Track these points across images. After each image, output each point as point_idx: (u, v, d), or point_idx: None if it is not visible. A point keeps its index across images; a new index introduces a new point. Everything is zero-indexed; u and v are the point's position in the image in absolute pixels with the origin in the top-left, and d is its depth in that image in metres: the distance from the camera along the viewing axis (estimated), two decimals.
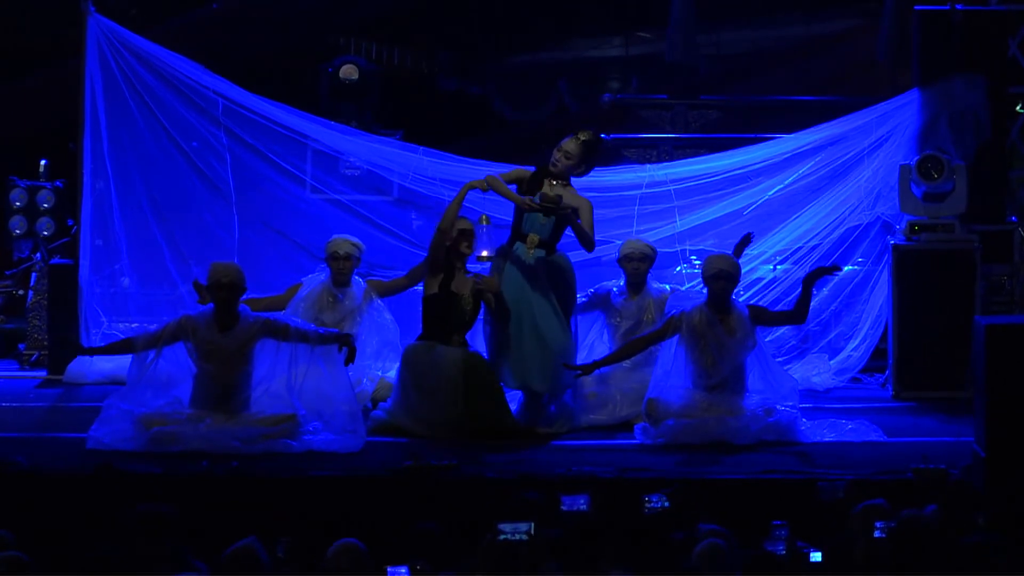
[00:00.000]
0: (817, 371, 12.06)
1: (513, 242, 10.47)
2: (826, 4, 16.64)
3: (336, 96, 13.85)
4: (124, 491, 8.71)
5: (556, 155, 10.40)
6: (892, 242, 11.99)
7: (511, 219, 10.66)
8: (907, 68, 12.82)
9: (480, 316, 10.46)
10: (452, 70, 16.49)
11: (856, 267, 12.42)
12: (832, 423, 10.49)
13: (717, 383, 10.23)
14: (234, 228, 12.44)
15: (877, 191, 12.31)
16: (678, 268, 12.28)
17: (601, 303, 11.13)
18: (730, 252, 10.70)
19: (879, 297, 12.22)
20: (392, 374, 10.76)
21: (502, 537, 6.72)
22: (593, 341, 11.10)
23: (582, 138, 10.42)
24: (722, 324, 10.23)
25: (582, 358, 10.58)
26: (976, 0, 12.53)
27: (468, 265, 10.48)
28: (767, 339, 10.72)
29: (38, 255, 13.29)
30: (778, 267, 12.32)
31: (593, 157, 10.48)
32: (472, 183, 10.41)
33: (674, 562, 6.99)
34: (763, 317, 10.41)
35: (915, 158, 12.00)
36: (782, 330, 12.02)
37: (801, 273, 12.06)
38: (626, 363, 10.94)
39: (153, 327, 10.11)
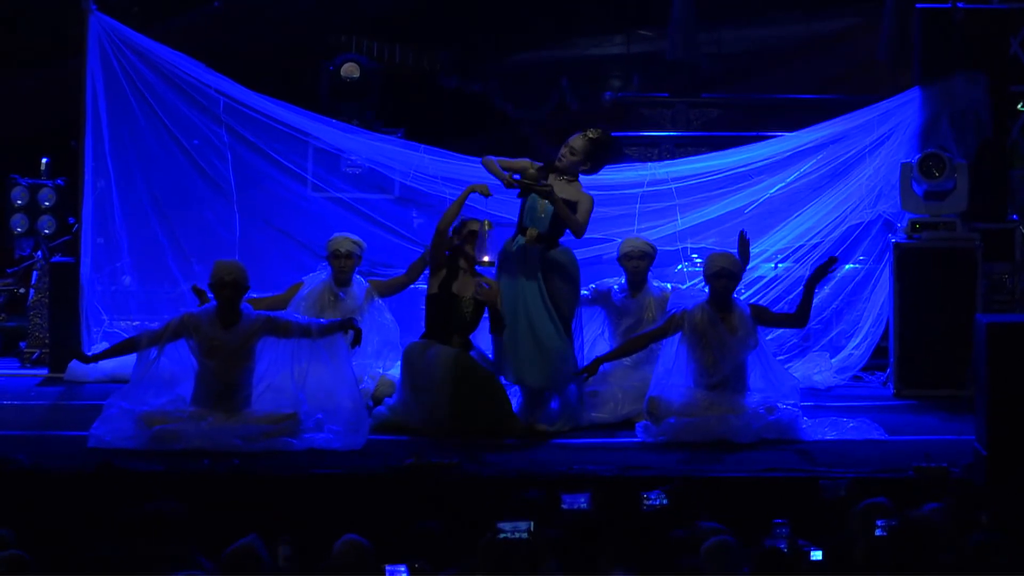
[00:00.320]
0: (818, 369, 12.05)
1: (515, 237, 10.48)
2: (827, 2, 16.61)
3: (337, 94, 13.85)
4: (125, 490, 8.71)
5: (563, 150, 10.42)
6: (893, 240, 11.99)
7: (511, 219, 10.69)
8: (908, 66, 12.81)
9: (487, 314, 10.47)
10: (453, 68, 16.47)
11: (857, 265, 12.42)
12: (833, 421, 10.49)
13: (718, 381, 10.23)
14: (235, 226, 12.45)
15: (878, 189, 12.31)
16: (679, 266, 12.28)
17: (602, 300, 11.13)
18: (731, 250, 10.70)
19: (880, 295, 12.22)
20: (394, 372, 10.78)
21: (502, 536, 6.72)
22: (595, 338, 11.11)
23: (590, 135, 10.42)
24: (724, 323, 10.23)
25: (583, 356, 10.57)
26: None
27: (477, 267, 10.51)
28: (768, 338, 10.72)
29: (39, 253, 13.30)
30: (779, 265, 12.32)
31: (601, 155, 10.46)
32: (474, 187, 10.45)
33: (675, 560, 6.99)
34: (764, 317, 10.41)
35: (916, 156, 11.99)
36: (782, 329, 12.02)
37: (802, 271, 12.09)
38: (627, 361, 10.95)
39: (156, 324, 10.12)
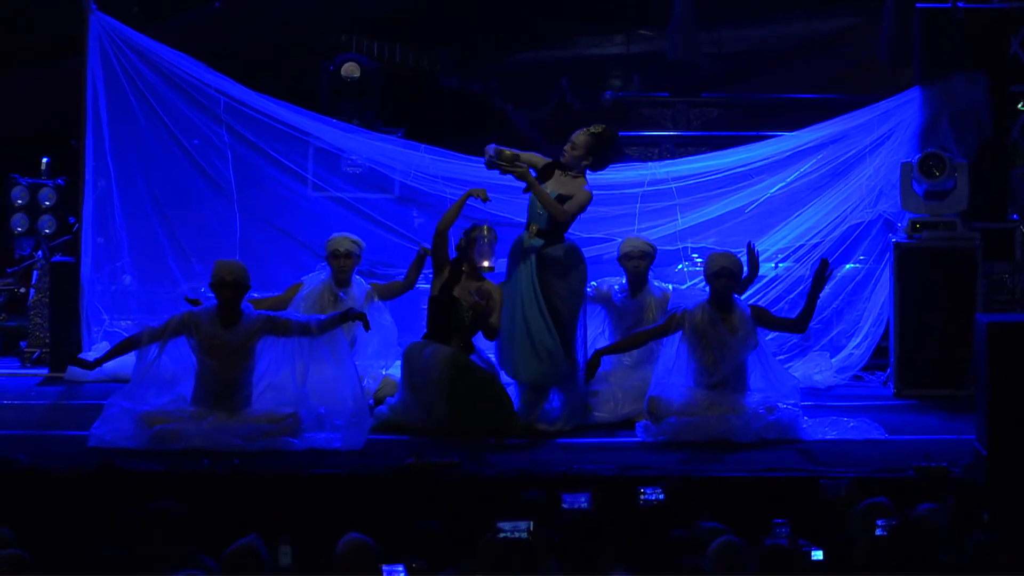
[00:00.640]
0: (819, 369, 12.05)
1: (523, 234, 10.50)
2: (827, 2, 16.62)
3: (338, 94, 13.85)
4: (126, 489, 8.71)
5: (566, 146, 10.42)
6: (894, 240, 11.99)
7: (512, 219, 10.71)
8: (908, 66, 12.81)
9: None
10: (453, 68, 16.48)
11: (858, 265, 12.42)
12: (834, 421, 10.49)
13: (718, 381, 10.23)
14: (236, 226, 12.45)
15: (879, 189, 12.31)
16: (680, 266, 12.28)
17: (602, 299, 11.12)
18: (732, 250, 10.71)
19: (880, 295, 12.21)
20: (395, 372, 10.79)
21: (502, 536, 6.72)
22: (595, 337, 11.10)
23: (592, 130, 10.42)
24: (724, 322, 10.23)
25: (587, 355, 10.56)
26: None
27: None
28: (768, 338, 10.72)
29: (40, 253, 13.30)
30: (780, 265, 12.32)
31: (603, 150, 10.41)
32: (473, 191, 10.48)
33: (676, 560, 6.99)
34: (764, 319, 10.41)
35: (917, 156, 11.99)
36: None
37: (803, 271, 12.09)
38: (627, 361, 10.96)
39: (157, 322, 10.12)
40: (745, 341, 10.23)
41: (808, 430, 10.22)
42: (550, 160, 10.46)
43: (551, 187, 10.34)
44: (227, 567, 6.78)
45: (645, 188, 12.21)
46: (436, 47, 16.48)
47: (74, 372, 12.03)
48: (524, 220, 10.90)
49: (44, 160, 13.47)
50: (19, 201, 13.26)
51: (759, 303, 11.16)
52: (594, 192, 10.47)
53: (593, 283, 11.08)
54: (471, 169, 11.57)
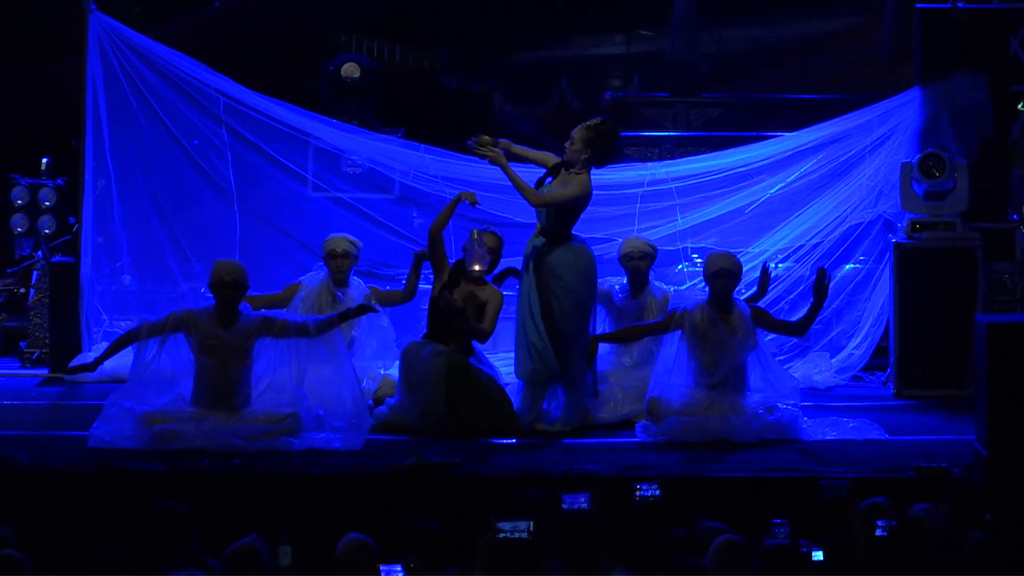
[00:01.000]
0: (818, 369, 12.05)
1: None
2: (828, 2, 16.63)
3: (338, 94, 13.85)
4: (126, 489, 8.71)
5: (566, 143, 10.42)
6: (893, 240, 11.98)
7: (513, 219, 10.74)
8: (908, 66, 12.80)
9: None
10: (453, 68, 16.48)
11: (858, 265, 12.42)
12: (833, 421, 10.49)
13: (718, 381, 10.23)
14: (236, 226, 12.44)
15: (879, 189, 12.30)
16: (680, 266, 12.28)
17: (603, 299, 11.11)
18: (731, 251, 10.72)
19: (880, 295, 12.21)
20: (394, 372, 10.79)
21: (501, 536, 6.72)
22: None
23: (589, 124, 10.41)
24: (724, 323, 10.22)
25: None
26: None
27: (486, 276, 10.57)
28: (767, 338, 10.71)
29: (39, 253, 13.29)
30: (780, 265, 12.31)
31: (601, 143, 10.34)
32: (462, 194, 10.52)
33: (676, 560, 6.99)
34: (764, 321, 10.40)
35: (917, 156, 11.99)
36: None
37: (802, 271, 12.10)
38: (627, 361, 10.96)
39: (156, 317, 10.11)
40: (744, 342, 10.23)
41: (808, 430, 10.22)
42: (560, 160, 10.47)
43: (555, 185, 10.35)
44: (228, 567, 6.78)
45: (645, 188, 12.20)
46: (436, 47, 16.48)
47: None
48: (523, 220, 10.94)
49: (44, 160, 13.47)
50: (19, 201, 13.26)
51: (758, 304, 11.15)
52: (594, 192, 10.46)
53: None
54: (471, 169, 11.57)
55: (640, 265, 11.06)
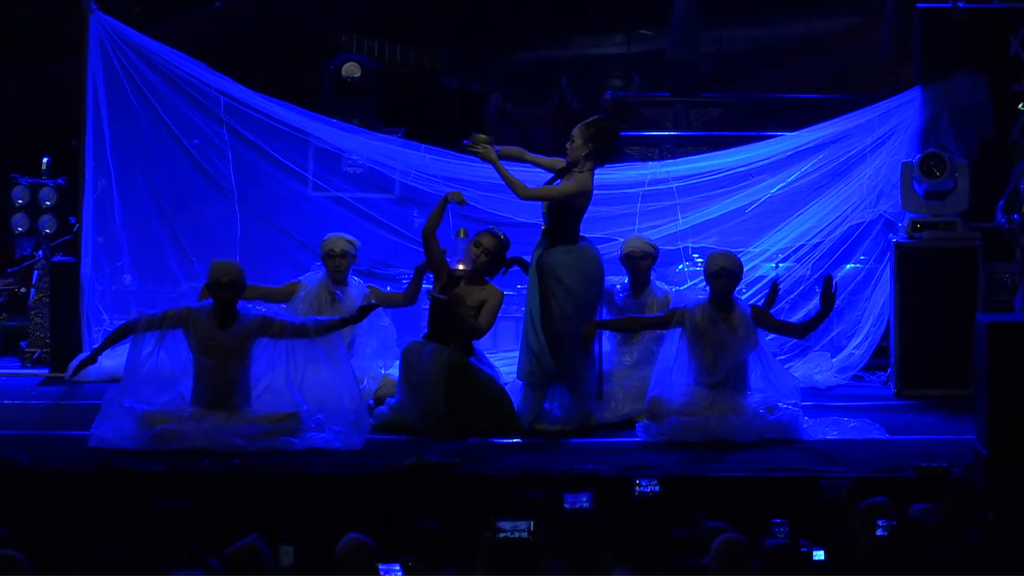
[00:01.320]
0: (819, 369, 12.05)
1: None
2: (828, 2, 16.63)
3: (338, 93, 13.85)
4: (126, 489, 8.71)
5: (567, 144, 10.44)
6: (894, 240, 11.99)
7: (513, 219, 10.75)
8: (909, 66, 12.80)
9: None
10: (454, 68, 16.48)
11: (858, 265, 12.41)
12: (834, 421, 10.49)
13: (718, 381, 10.23)
14: (236, 225, 12.44)
15: (879, 189, 12.30)
16: (680, 266, 12.28)
17: (604, 297, 11.11)
18: (732, 250, 10.72)
19: (881, 295, 12.21)
20: (394, 372, 10.78)
21: (502, 535, 6.72)
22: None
23: (588, 121, 10.44)
24: (724, 322, 10.22)
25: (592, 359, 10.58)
26: None
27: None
28: (768, 338, 10.71)
29: (40, 253, 13.29)
30: (780, 265, 12.32)
31: (600, 139, 10.34)
32: (449, 195, 10.55)
33: (677, 560, 6.99)
34: (765, 321, 10.40)
35: (917, 156, 11.99)
36: None
37: (803, 271, 12.10)
38: (628, 361, 10.97)
39: (154, 312, 10.10)
40: (745, 341, 10.23)
41: (808, 430, 10.22)
42: (566, 163, 10.49)
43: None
44: (228, 567, 6.78)
45: (645, 188, 12.20)
46: (436, 47, 16.49)
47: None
48: (524, 220, 10.94)
49: (45, 160, 13.46)
50: (20, 201, 13.25)
51: (759, 303, 11.15)
52: (595, 192, 10.47)
53: None
54: (471, 169, 11.57)
55: (641, 265, 11.07)
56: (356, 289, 11.32)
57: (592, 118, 10.47)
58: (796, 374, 11.45)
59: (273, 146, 12.45)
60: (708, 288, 10.38)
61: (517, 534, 6.71)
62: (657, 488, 7.81)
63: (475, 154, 10.41)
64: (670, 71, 15.74)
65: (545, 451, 9.88)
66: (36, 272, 13.35)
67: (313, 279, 11.37)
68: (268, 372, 10.08)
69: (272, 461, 9.44)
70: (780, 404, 10.23)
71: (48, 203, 13.24)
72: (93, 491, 8.82)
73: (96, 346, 10.34)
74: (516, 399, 10.42)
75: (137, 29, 12.57)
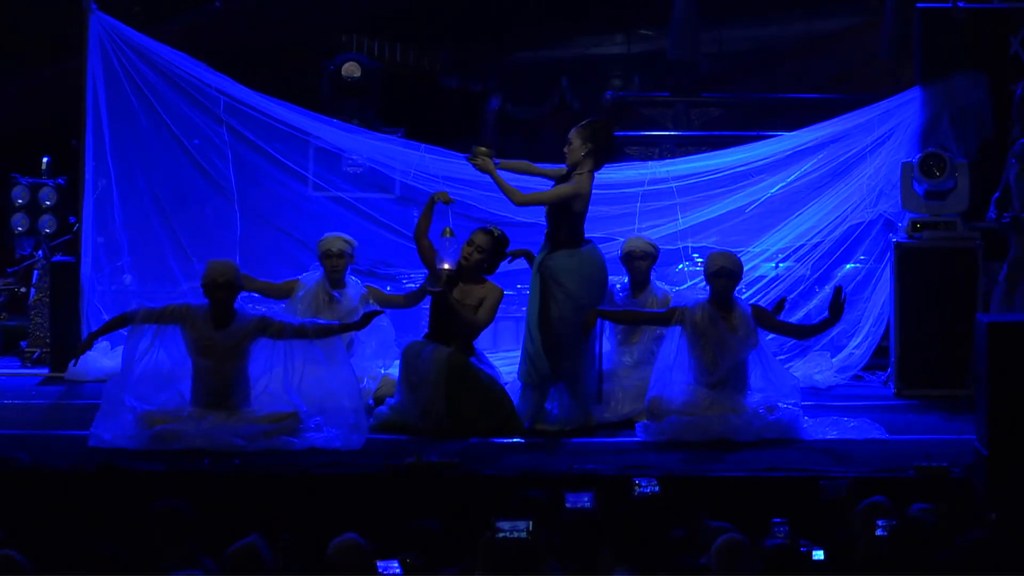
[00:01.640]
0: (819, 369, 12.05)
1: None
2: (828, 2, 16.64)
3: (338, 93, 13.85)
4: (126, 489, 8.71)
5: (564, 149, 10.45)
6: (894, 240, 11.99)
7: (513, 218, 10.75)
8: (909, 66, 12.80)
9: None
10: (454, 68, 16.48)
11: (858, 265, 12.42)
12: (834, 421, 10.49)
13: (717, 380, 10.23)
14: (236, 225, 12.44)
15: (879, 189, 12.30)
16: (680, 266, 12.28)
17: (605, 299, 11.11)
18: (732, 249, 10.72)
19: (881, 295, 12.21)
20: (394, 371, 10.78)
21: (501, 535, 6.72)
22: (595, 335, 11.09)
23: (582, 124, 10.46)
24: (724, 321, 10.22)
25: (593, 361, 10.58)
26: None
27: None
28: (768, 337, 10.71)
29: (40, 252, 13.29)
30: (780, 265, 12.32)
31: (599, 139, 10.36)
32: (435, 195, 10.56)
33: (679, 560, 6.99)
34: (766, 321, 10.39)
35: (917, 156, 11.98)
36: None
37: (803, 271, 12.10)
38: (628, 360, 10.97)
39: (155, 306, 10.09)
40: (745, 340, 10.23)
41: (808, 430, 10.22)
42: (568, 169, 10.51)
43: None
44: (229, 567, 6.77)
45: (645, 187, 12.20)
46: (436, 47, 16.49)
47: (74, 371, 12.03)
48: (524, 220, 10.94)
49: (45, 160, 13.46)
50: (20, 200, 13.25)
51: (759, 303, 11.16)
52: (595, 191, 10.47)
53: None
54: (471, 169, 11.53)
55: (641, 265, 11.07)
56: (354, 289, 11.30)
57: (587, 120, 10.50)
58: (796, 374, 11.45)
59: (273, 146, 12.46)
60: (708, 288, 10.38)
61: (517, 534, 6.71)
62: (657, 488, 7.81)
63: (474, 166, 10.44)
64: (670, 71, 15.76)
65: (545, 451, 9.88)
66: (36, 272, 13.36)
67: (311, 279, 11.37)
68: (266, 374, 10.07)
69: (272, 461, 9.44)
70: (780, 404, 10.23)
71: (48, 203, 13.24)
72: (93, 491, 8.82)
73: (93, 330, 10.33)
74: (516, 399, 10.42)
75: (137, 29, 12.57)
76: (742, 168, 12.32)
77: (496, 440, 10.08)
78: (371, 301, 11.26)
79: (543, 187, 10.57)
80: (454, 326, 10.37)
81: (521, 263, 10.79)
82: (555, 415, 10.42)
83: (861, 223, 12.33)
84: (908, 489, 8.57)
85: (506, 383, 10.54)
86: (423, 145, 12.31)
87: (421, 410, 10.22)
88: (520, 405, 10.40)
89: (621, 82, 16.70)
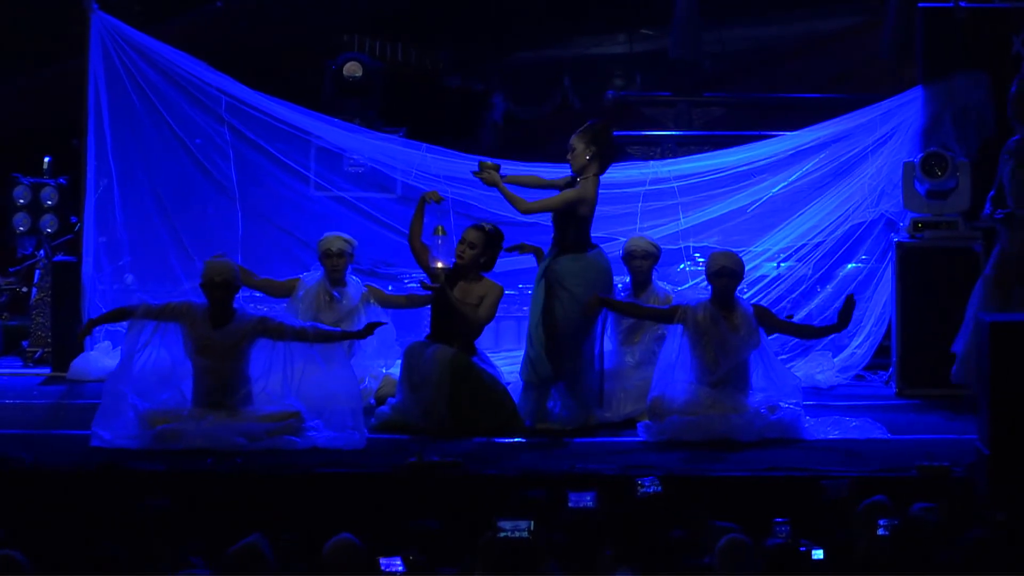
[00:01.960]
0: (821, 368, 12.04)
1: None
2: (829, 1, 16.64)
3: (340, 93, 13.86)
4: (127, 488, 8.71)
5: (568, 155, 10.47)
6: (896, 239, 11.98)
7: (513, 218, 10.76)
8: (910, 65, 12.80)
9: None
10: (455, 67, 16.49)
11: (860, 264, 12.41)
12: (836, 420, 10.48)
13: (719, 379, 10.23)
14: (237, 225, 12.45)
15: (881, 188, 12.30)
16: (682, 265, 12.28)
17: None
18: (734, 249, 10.73)
19: (883, 294, 12.20)
20: (396, 371, 10.78)
21: (502, 535, 6.72)
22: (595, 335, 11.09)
23: (582, 129, 10.47)
24: (726, 320, 10.22)
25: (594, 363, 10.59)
26: None
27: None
28: (770, 337, 10.71)
29: (42, 252, 13.30)
30: (782, 264, 12.32)
31: (601, 141, 10.38)
32: (425, 195, 10.58)
33: (681, 560, 6.98)
34: (768, 321, 10.39)
35: (919, 155, 11.98)
36: None
37: (805, 271, 12.09)
38: (630, 361, 10.96)
39: (156, 302, 10.09)
40: (747, 340, 10.23)
41: (810, 429, 10.22)
42: (572, 174, 10.52)
43: None
44: (230, 567, 6.77)
45: (647, 187, 12.20)
46: (438, 46, 16.49)
47: (76, 371, 12.06)
48: (524, 219, 10.93)
49: (46, 159, 13.47)
50: (21, 200, 13.26)
51: (761, 303, 11.15)
52: (597, 192, 10.47)
53: None
54: (472, 168, 11.57)
55: (643, 265, 11.07)
56: (354, 289, 11.31)
57: (585, 124, 10.51)
58: (798, 373, 11.44)
59: (275, 145, 12.46)
60: (710, 287, 10.38)
61: (517, 534, 6.71)
62: (659, 488, 7.81)
63: (481, 180, 10.45)
64: (672, 71, 15.76)
65: (547, 451, 9.88)
66: (38, 271, 13.36)
67: (312, 278, 11.37)
68: (264, 376, 10.07)
69: (274, 460, 9.44)
70: (782, 403, 10.23)
71: (50, 202, 13.25)
72: (94, 491, 8.81)
73: (99, 347, 10.33)
74: (518, 399, 10.42)
75: (138, 28, 12.58)
76: (744, 168, 12.32)
77: (498, 440, 10.08)
78: (372, 301, 11.26)
79: (548, 195, 10.56)
80: (455, 324, 10.37)
81: (530, 259, 10.79)
82: (557, 415, 10.43)
83: (863, 223, 12.33)
84: (909, 489, 8.56)
85: (508, 383, 10.54)
86: (425, 145, 12.32)
87: (423, 410, 10.23)
88: (522, 405, 10.40)
89: (623, 82, 16.70)
